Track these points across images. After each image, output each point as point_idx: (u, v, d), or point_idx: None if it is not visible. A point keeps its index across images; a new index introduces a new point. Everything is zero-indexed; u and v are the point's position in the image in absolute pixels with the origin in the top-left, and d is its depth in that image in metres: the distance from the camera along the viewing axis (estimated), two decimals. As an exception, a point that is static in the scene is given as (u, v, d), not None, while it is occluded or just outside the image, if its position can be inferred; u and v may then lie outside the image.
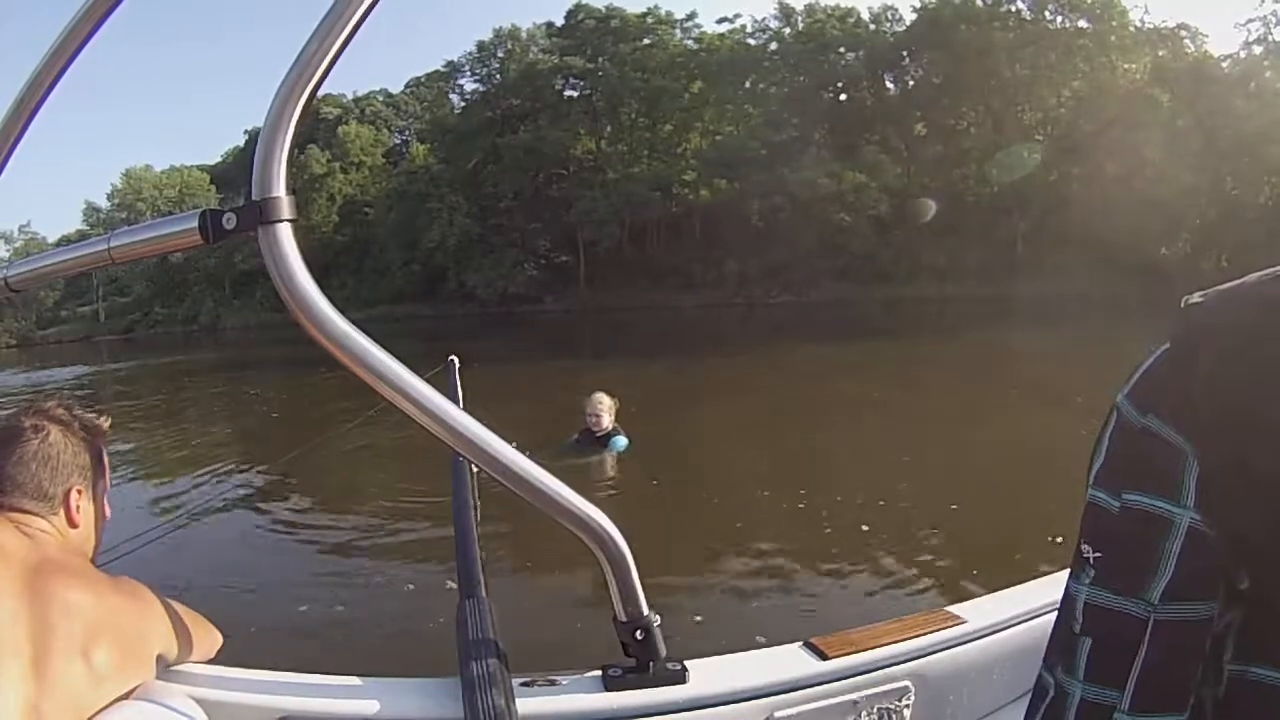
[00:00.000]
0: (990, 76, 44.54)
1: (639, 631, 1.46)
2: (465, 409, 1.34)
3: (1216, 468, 0.67)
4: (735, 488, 6.42)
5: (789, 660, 1.59)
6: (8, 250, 58.18)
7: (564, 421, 7.33)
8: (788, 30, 52.08)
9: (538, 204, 53.73)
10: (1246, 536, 0.66)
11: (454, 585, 1.83)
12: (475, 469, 1.58)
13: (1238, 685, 0.68)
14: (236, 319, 55.34)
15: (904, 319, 27.76)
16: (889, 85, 51.38)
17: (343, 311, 1.22)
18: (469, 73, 59.90)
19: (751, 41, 53.52)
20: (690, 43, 54.70)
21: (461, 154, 55.94)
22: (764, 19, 53.63)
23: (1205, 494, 0.67)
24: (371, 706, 1.42)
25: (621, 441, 6.83)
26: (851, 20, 50.88)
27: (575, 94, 56.28)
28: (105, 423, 1.58)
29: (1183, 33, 42.33)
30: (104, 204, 61.06)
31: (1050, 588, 1.82)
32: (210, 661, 1.56)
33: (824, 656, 1.58)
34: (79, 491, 1.46)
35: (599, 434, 6.83)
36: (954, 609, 1.78)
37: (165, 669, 1.42)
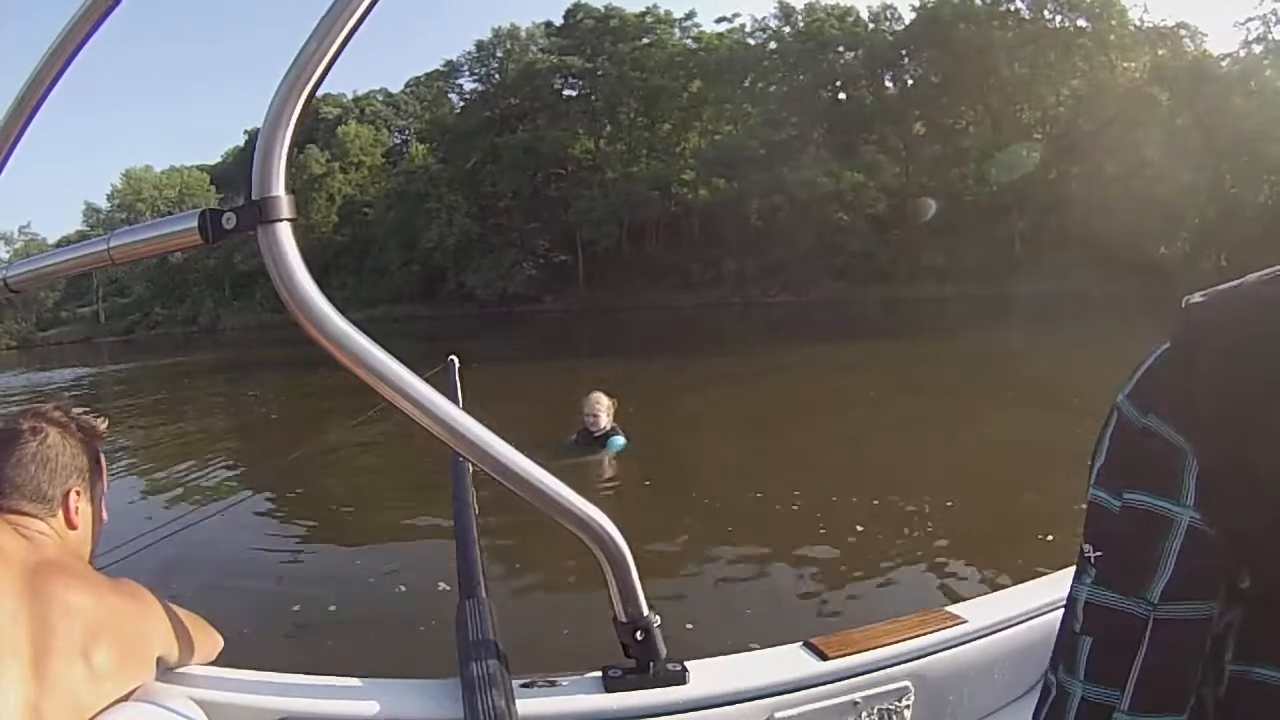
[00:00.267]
0: (989, 75, 44.56)
1: (639, 632, 1.46)
2: (465, 409, 1.34)
3: (1216, 466, 0.66)
4: (734, 487, 6.40)
5: (789, 660, 1.59)
6: (8, 251, 58.31)
7: (562, 421, 7.32)
8: (787, 29, 52.11)
9: (536, 204, 53.81)
10: (1247, 535, 0.65)
11: (454, 586, 1.83)
12: (475, 469, 1.58)
13: (1239, 685, 0.68)
14: (236, 320, 55.46)
15: (902, 318, 27.76)
16: (888, 84, 51.47)
17: (342, 312, 1.21)
18: (468, 72, 60.09)
19: (750, 41, 53.64)
20: (689, 42, 54.79)
21: (460, 154, 56.01)
22: (764, 18, 53.81)
23: (1205, 493, 0.67)
24: (371, 707, 1.42)
25: (619, 441, 6.82)
26: (850, 19, 50.93)
27: (574, 93, 56.39)
28: (102, 425, 1.58)
29: (1182, 32, 42.40)
30: (104, 205, 61.27)
31: (1050, 588, 1.82)
32: (210, 663, 1.56)
33: (824, 656, 1.58)
34: (77, 493, 1.46)
35: (597, 434, 6.83)
36: (954, 609, 1.78)
37: (165, 670, 1.42)
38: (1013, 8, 45.57)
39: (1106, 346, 13.43)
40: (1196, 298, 0.71)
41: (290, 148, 1.16)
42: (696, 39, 54.82)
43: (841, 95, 52.20)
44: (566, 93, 56.57)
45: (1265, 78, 38.13)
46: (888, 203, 44.83)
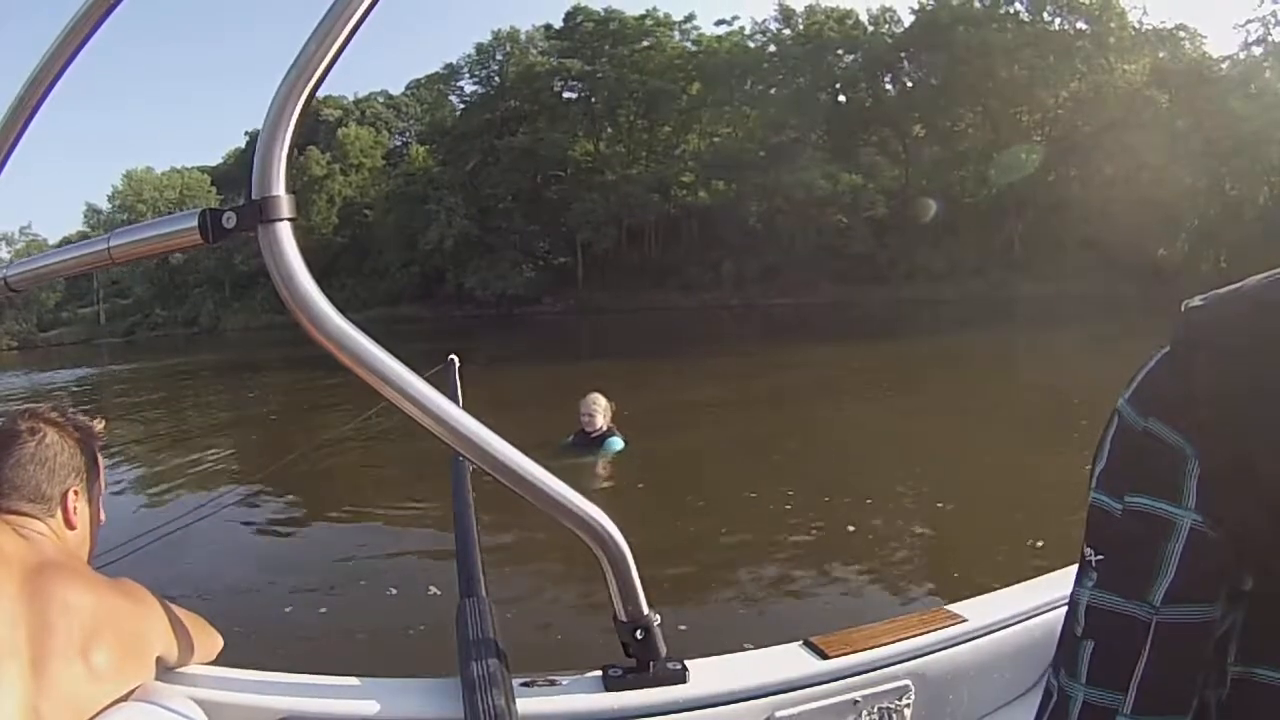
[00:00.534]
0: (988, 78, 44.57)
1: (639, 631, 1.46)
2: (465, 408, 1.34)
3: (1217, 469, 0.66)
4: (731, 488, 6.41)
5: (789, 660, 1.59)
6: (9, 252, 58.27)
7: (560, 422, 7.33)
8: (787, 31, 52.15)
9: (536, 205, 53.82)
10: (1249, 538, 0.65)
11: (454, 585, 1.83)
12: (475, 469, 1.58)
13: (1242, 687, 0.68)
14: (237, 321, 55.49)
15: (901, 321, 27.75)
16: (887, 87, 51.47)
17: (342, 312, 1.21)
18: (468, 75, 60.05)
19: (750, 43, 53.64)
20: (688, 45, 54.79)
21: (460, 156, 56.03)
22: (764, 21, 53.86)
23: (1206, 495, 0.66)
24: (371, 706, 1.42)
25: (617, 443, 6.84)
26: (850, 22, 50.95)
27: (574, 96, 56.40)
28: (99, 425, 1.58)
29: (1181, 34, 42.44)
30: (105, 206, 61.27)
31: (1050, 587, 1.82)
32: (210, 662, 1.56)
33: (824, 656, 1.58)
34: (75, 493, 1.46)
35: (594, 435, 6.85)
36: (954, 608, 1.77)
37: (165, 670, 1.42)
38: (1012, 10, 45.64)
39: (1106, 348, 13.45)
40: (1195, 301, 0.71)
41: (291, 148, 1.15)
42: (696, 42, 54.85)
43: (841, 98, 52.26)
44: (566, 95, 56.60)
45: (1265, 80, 38.20)
46: (887, 205, 44.86)
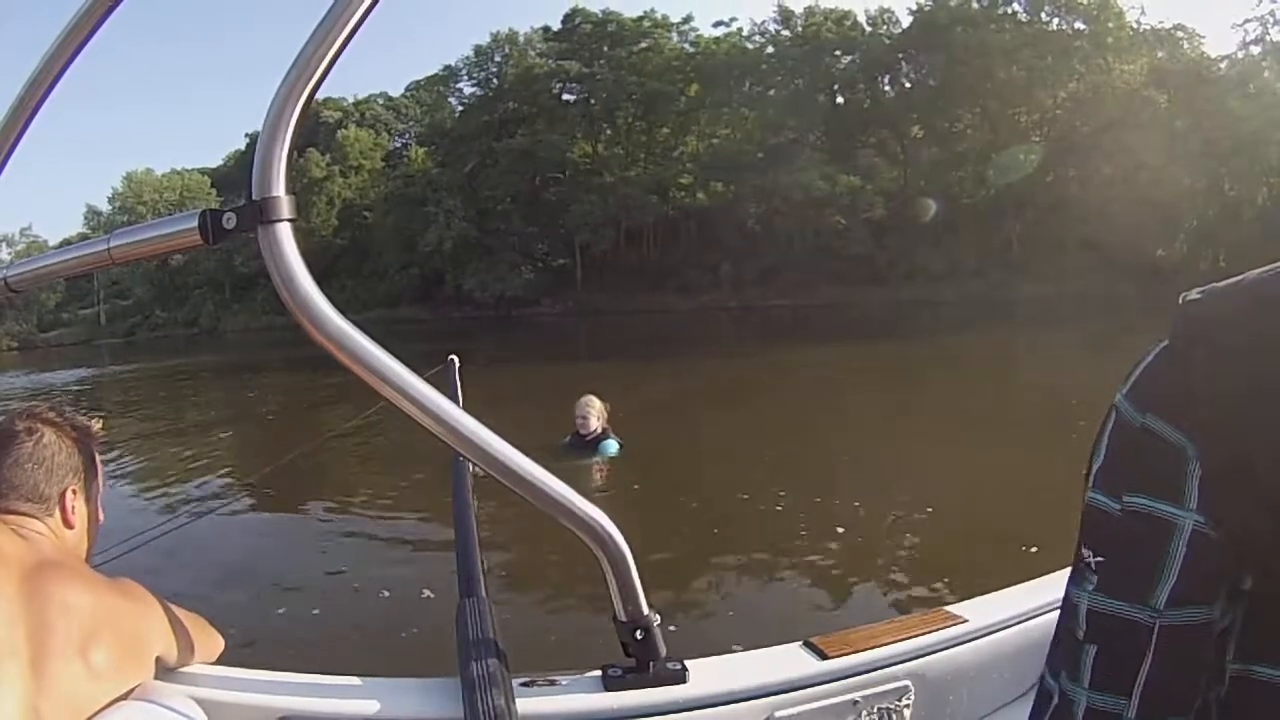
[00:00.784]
0: (986, 78, 44.62)
1: (639, 631, 1.46)
2: (465, 408, 1.34)
3: (1218, 467, 0.65)
4: (730, 489, 6.41)
5: (789, 660, 1.59)
6: (9, 253, 58.32)
7: (558, 424, 7.34)
8: (785, 33, 52.17)
9: (534, 207, 53.85)
10: (1250, 537, 0.64)
11: (453, 585, 1.83)
12: (475, 469, 1.58)
13: (1240, 685, 0.67)
14: (236, 322, 55.61)
15: (899, 322, 27.77)
16: (885, 88, 51.49)
17: (342, 314, 1.21)
18: (467, 77, 60.03)
19: (748, 45, 53.64)
20: (687, 46, 54.80)
21: (458, 158, 56.07)
22: (763, 22, 53.88)
23: (1207, 495, 0.66)
24: (371, 706, 1.42)
25: (612, 446, 6.85)
26: (848, 23, 50.98)
27: (572, 98, 56.43)
28: (97, 425, 1.59)
29: (1180, 34, 42.47)
30: (105, 207, 61.37)
31: (1050, 588, 1.81)
32: (211, 663, 1.56)
33: (824, 656, 1.58)
34: (74, 493, 1.46)
35: (588, 437, 6.86)
36: (953, 609, 1.77)
37: (165, 670, 1.42)
38: (1010, 10, 45.67)
39: (1105, 348, 13.45)
40: (1194, 294, 0.70)
41: (291, 149, 1.15)
42: (694, 43, 54.89)
43: (839, 99, 52.30)
44: (565, 97, 56.63)
45: (1264, 79, 38.23)
46: (885, 206, 44.87)
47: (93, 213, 62.73)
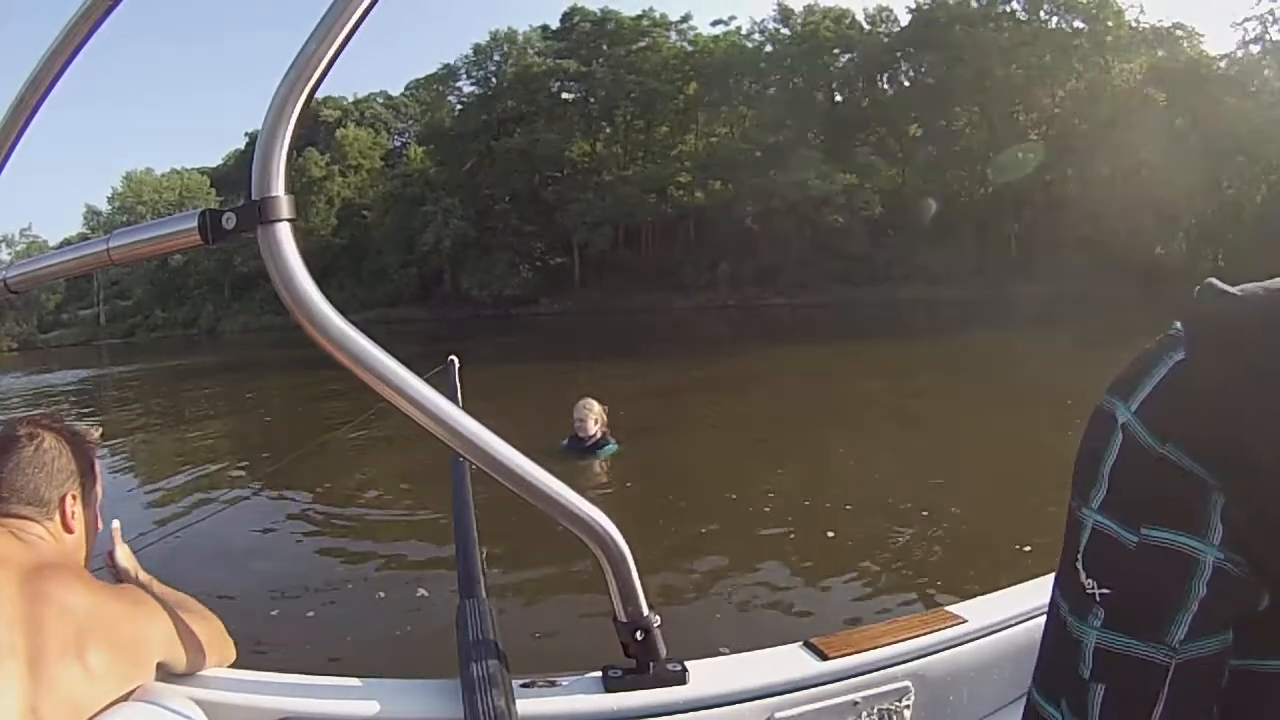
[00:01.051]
0: (985, 77, 44.65)
1: (639, 632, 1.45)
2: (465, 409, 1.34)
3: (1245, 503, 0.61)
4: (730, 489, 6.42)
5: (789, 660, 1.59)
6: (9, 254, 58.38)
7: (556, 424, 7.34)
8: (784, 31, 52.19)
9: (533, 206, 53.88)
10: (1273, 569, 0.61)
11: (454, 586, 1.83)
12: (475, 469, 1.58)
13: (1242, 679, 0.64)
14: (236, 322, 55.71)
15: (898, 321, 27.74)
16: (884, 87, 51.52)
17: (341, 314, 1.21)
18: (465, 76, 60.02)
19: (746, 44, 53.66)
20: (685, 45, 54.82)
21: (457, 157, 56.09)
22: (762, 20, 53.94)
23: (1233, 530, 0.61)
24: (371, 707, 1.42)
25: (612, 449, 6.87)
26: (846, 21, 51.00)
27: (571, 97, 56.44)
28: (97, 432, 1.60)
29: (1179, 32, 42.46)
30: (105, 207, 61.44)
31: (1050, 587, 1.81)
32: None
33: (824, 656, 1.58)
34: (74, 497, 1.47)
35: (588, 441, 6.87)
36: (954, 609, 1.77)
37: (168, 673, 1.42)
38: (1008, 9, 45.69)
39: (1104, 348, 13.43)
40: (1211, 293, 0.65)
41: (290, 148, 1.15)
42: (692, 42, 54.93)
43: (837, 98, 52.32)
44: (564, 96, 56.64)
45: (1263, 78, 38.22)
46: (883, 205, 44.88)
47: (92, 213, 62.94)
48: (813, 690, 1.54)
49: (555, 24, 57.29)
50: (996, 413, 9.45)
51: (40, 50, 1.32)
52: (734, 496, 6.16)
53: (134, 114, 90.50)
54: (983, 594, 1.89)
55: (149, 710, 1.27)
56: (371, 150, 60.97)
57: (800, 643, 1.64)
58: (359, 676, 1.51)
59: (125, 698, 1.27)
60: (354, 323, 1.21)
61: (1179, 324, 0.67)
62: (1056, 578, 0.72)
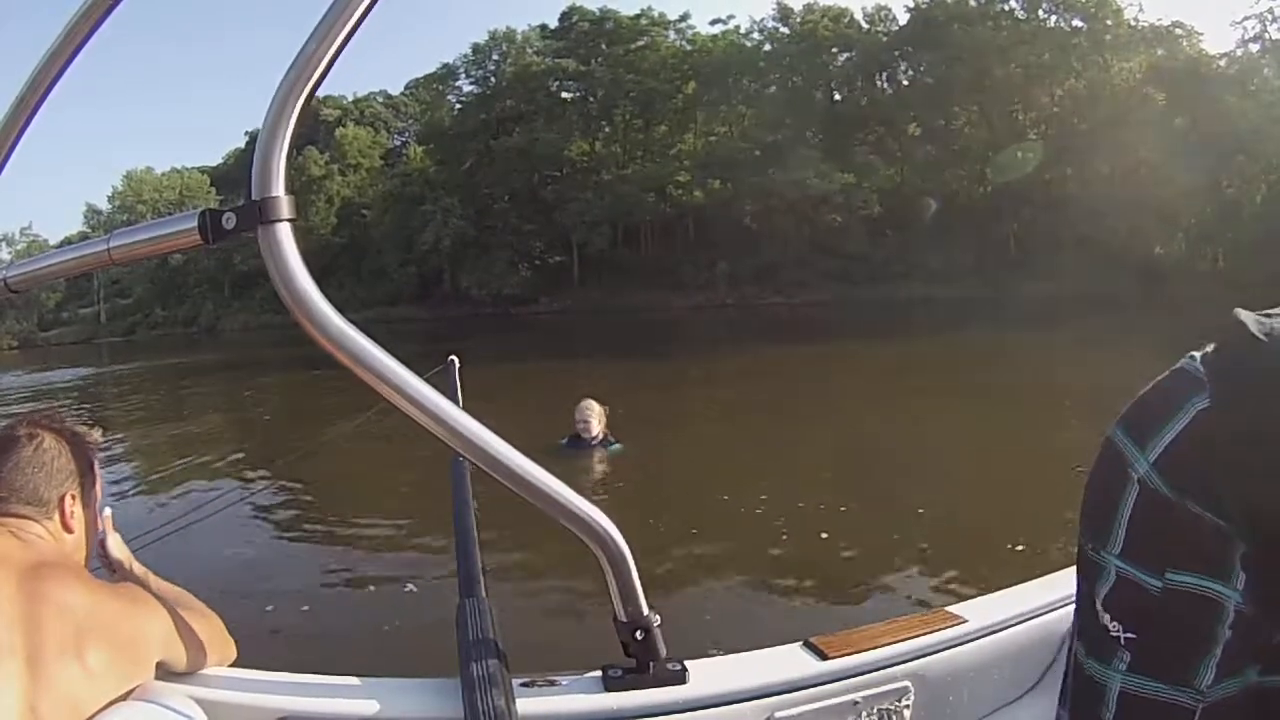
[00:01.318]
0: (984, 76, 44.63)
1: (639, 631, 1.45)
2: (465, 409, 1.34)
3: (1266, 553, 0.61)
4: (728, 488, 6.42)
5: (789, 660, 1.59)
6: (9, 253, 58.40)
7: (555, 424, 7.34)
8: (783, 30, 52.16)
9: (532, 206, 53.88)
10: None
11: (454, 585, 1.83)
12: (475, 469, 1.58)
13: (1262, 695, 0.64)
14: (236, 321, 55.71)
15: (896, 320, 27.74)
16: (883, 86, 51.51)
17: (341, 313, 1.21)
18: (465, 75, 60.00)
19: (745, 43, 53.65)
20: (684, 44, 54.80)
21: (456, 156, 56.07)
22: (761, 19, 53.91)
23: (1254, 577, 0.61)
24: (371, 706, 1.42)
25: (615, 449, 6.89)
26: (845, 20, 50.98)
27: (570, 96, 56.41)
28: (97, 433, 1.60)
29: (1178, 31, 42.41)
30: (105, 206, 61.49)
31: (1050, 588, 1.81)
32: None
33: (824, 656, 1.58)
34: (73, 497, 1.47)
35: (591, 442, 6.88)
36: (954, 609, 1.77)
37: (168, 672, 1.42)
38: (1006, 8, 45.67)
39: (1103, 348, 13.44)
40: (1243, 341, 0.62)
41: (290, 148, 1.15)
42: (691, 41, 54.91)
43: (836, 97, 52.31)
44: (563, 95, 56.61)
45: (1263, 77, 38.19)
46: (882, 204, 44.88)
47: (93, 212, 63.00)
48: (812, 690, 1.54)
49: (554, 23, 57.38)
50: (994, 412, 9.44)
51: (40, 50, 1.31)
52: (734, 496, 6.16)
53: (134, 113, 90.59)
54: (980, 594, 1.89)
55: (148, 709, 1.27)
56: (371, 149, 60.94)
57: (800, 642, 1.64)
58: (359, 675, 1.51)
59: (125, 697, 1.27)
60: (354, 322, 1.21)
61: (1198, 362, 0.66)
62: (1074, 621, 0.72)
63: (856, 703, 1.57)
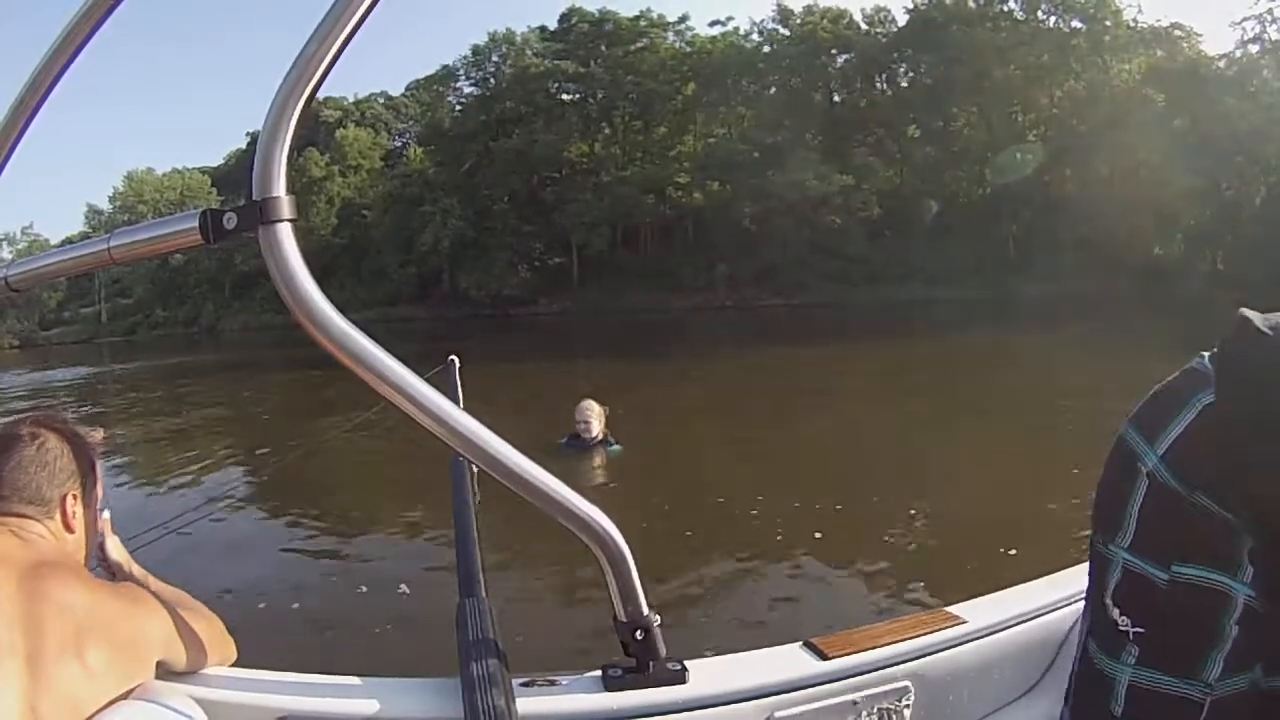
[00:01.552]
0: (983, 78, 44.63)
1: (639, 631, 1.45)
2: (465, 409, 1.34)
3: (1275, 544, 0.61)
4: (729, 488, 6.42)
5: (789, 660, 1.59)
6: (10, 252, 58.42)
7: (555, 423, 7.34)
8: (783, 31, 52.17)
9: (531, 207, 53.90)
10: None
11: (454, 585, 1.83)
12: (475, 469, 1.58)
13: (1269, 698, 0.64)
14: (236, 321, 55.78)
15: (895, 321, 27.74)
16: (882, 87, 51.53)
17: (342, 313, 1.21)
18: (464, 77, 60.01)
19: (744, 44, 53.66)
20: (683, 46, 54.81)
21: (456, 157, 56.08)
22: (761, 20, 53.93)
23: (1262, 571, 0.61)
24: (371, 706, 1.42)
25: (615, 449, 6.89)
26: (844, 22, 50.98)
27: (569, 97, 56.41)
28: (99, 434, 1.60)
29: (1177, 32, 42.43)
30: (106, 206, 61.53)
31: (1050, 588, 1.81)
32: None
33: (824, 656, 1.58)
34: (74, 497, 1.47)
35: (591, 442, 6.88)
36: (954, 609, 1.77)
37: (168, 672, 1.42)
38: (1005, 9, 45.67)
39: (1101, 348, 13.44)
40: (1249, 337, 0.63)
41: (291, 149, 1.15)
42: (690, 43, 54.93)
43: (835, 98, 52.31)
44: (562, 97, 56.62)
45: (1262, 78, 38.20)
46: (881, 206, 44.89)
47: (93, 212, 63.06)
48: (812, 690, 1.54)
49: (553, 25, 57.44)
50: (993, 412, 9.44)
51: (40, 50, 1.31)
52: (733, 496, 6.16)
53: (135, 113, 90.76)
54: (980, 595, 1.89)
55: (148, 709, 1.27)
56: (371, 150, 60.97)
57: (800, 642, 1.64)
58: (359, 675, 1.51)
59: (125, 696, 1.26)
60: (354, 321, 1.21)
61: (1207, 361, 0.66)
62: (1083, 615, 0.72)
63: (856, 703, 1.57)
